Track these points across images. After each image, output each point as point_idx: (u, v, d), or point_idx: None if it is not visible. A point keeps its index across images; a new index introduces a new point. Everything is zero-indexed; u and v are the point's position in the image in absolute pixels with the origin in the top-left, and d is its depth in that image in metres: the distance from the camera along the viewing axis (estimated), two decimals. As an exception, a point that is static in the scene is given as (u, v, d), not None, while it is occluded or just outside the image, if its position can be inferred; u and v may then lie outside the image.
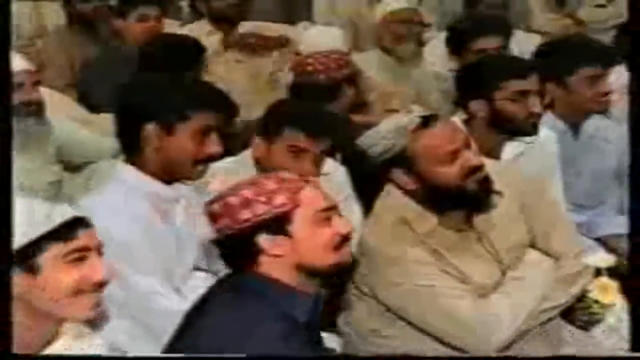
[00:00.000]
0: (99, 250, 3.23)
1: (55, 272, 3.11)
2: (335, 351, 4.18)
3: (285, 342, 3.30)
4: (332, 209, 3.49)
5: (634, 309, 2.00)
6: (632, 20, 2.40)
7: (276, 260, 3.40)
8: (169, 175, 4.19)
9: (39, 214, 3.14)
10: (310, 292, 3.47)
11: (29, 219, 3.14)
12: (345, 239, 3.49)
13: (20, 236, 3.11)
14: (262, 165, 4.77)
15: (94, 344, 3.39)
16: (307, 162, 4.68)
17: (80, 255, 3.14)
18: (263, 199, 3.37)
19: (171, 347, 3.53)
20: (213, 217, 3.47)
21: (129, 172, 4.22)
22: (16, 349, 3.18)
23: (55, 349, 3.25)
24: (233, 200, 3.39)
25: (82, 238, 3.16)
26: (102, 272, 3.19)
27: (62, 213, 3.16)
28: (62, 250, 3.12)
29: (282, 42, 7.30)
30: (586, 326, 4.17)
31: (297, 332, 3.37)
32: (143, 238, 4.09)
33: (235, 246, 3.44)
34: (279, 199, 3.37)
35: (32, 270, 3.11)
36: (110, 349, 3.69)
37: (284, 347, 3.29)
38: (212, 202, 3.48)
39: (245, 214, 3.36)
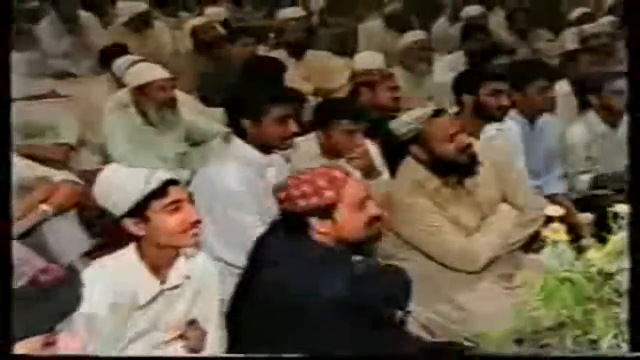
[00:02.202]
0: (189, 199, 3.21)
1: (160, 220, 3.13)
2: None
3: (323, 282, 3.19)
4: (367, 197, 3.35)
5: (634, 309, 1.92)
6: (632, 18, 2.25)
7: (323, 234, 3.29)
8: (267, 147, 4.23)
9: (140, 179, 3.13)
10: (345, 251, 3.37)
11: (134, 184, 3.13)
12: (375, 218, 3.37)
13: (126, 197, 3.11)
14: (325, 147, 4.72)
15: (199, 260, 3.38)
16: (358, 139, 4.61)
17: (175, 206, 3.14)
18: (317, 193, 3.24)
19: (247, 281, 3.45)
20: (278, 200, 3.34)
21: (240, 145, 4.26)
22: (150, 268, 3.20)
23: (179, 263, 3.27)
24: (294, 192, 3.24)
25: (172, 194, 3.14)
26: (195, 214, 3.19)
27: (157, 178, 3.14)
28: (160, 204, 3.12)
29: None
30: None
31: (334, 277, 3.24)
32: (248, 189, 4.15)
33: (293, 221, 3.31)
34: (328, 194, 3.24)
35: (145, 220, 3.13)
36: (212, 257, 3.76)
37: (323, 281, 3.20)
38: (279, 189, 3.33)
39: (302, 203, 3.24)
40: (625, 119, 5.29)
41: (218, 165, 4.32)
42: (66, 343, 1.98)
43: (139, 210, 3.12)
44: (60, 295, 2.06)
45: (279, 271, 3.27)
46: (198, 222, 3.20)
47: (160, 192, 3.12)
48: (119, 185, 3.16)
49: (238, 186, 4.14)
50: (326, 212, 3.27)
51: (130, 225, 3.14)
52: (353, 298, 3.26)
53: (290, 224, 3.35)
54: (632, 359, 1.97)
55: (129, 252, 3.20)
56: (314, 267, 3.25)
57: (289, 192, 3.27)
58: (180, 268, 3.27)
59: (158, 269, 3.22)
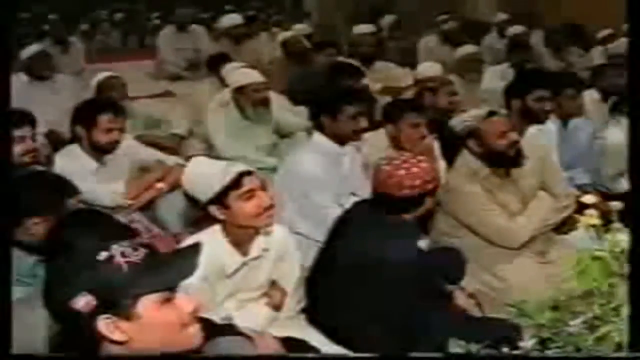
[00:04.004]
0: (262, 188, 3.16)
1: (238, 206, 3.08)
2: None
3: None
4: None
5: (634, 309, 1.86)
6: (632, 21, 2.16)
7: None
8: (341, 140, 4.24)
9: (218, 172, 3.09)
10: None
11: (213, 177, 3.09)
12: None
13: (208, 188, 3.09)
14: (393, 139, 4.62)
15: (278, 233, 3.35)
16: (423, 131, 4.57)
17: (250, 195, 3.08)
18: (421, 186, 3.32)
19: (327, 249, 3.47)
20: (384, 184, 3.35)
21: (319, 138, 4.28)
22: (233, 244, 3.18)
23: (258, 239, 3.24)
24: (407, 181, 3.29)
25: (246, 184, 3.08)
26: (268, 200, 3.13)
27: (232, 171, 3.10)
28: (237, 193, 3.06)
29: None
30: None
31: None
32: (325, 175, 4.16)
33: (391, 204, 3.35)
34: (429, 186, 3.33)
35: (225, 206, 3.08)
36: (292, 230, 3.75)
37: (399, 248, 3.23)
38: (387, 175, 3.34)
39: (405, 192, 3.30)
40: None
41: (301, 154, 4.33)
42: (182, 302, 1.96)
43: (220, 198, 3.08)
44: (181, 261, 2.03)
45: (359, 239, 3.31)
46: (271, 206, 3.15)
47: (236, 183, 3.07)
48: (202, 178, 3.13)
49: (317, 172, 4.14)
50: (420, 200, 3.35)
51: (213, 210, 3.11)
52: (418, 267, 3.26)
53: (389, 207, 3.36)
54: (632, 359, 1.89)
55: (215, 231, 3.17)
56: (389, 237, 3.25)
57: (400, 178, 3.31)
58: (259, 243, 3.24)
59: (240, 244, 3.20)
